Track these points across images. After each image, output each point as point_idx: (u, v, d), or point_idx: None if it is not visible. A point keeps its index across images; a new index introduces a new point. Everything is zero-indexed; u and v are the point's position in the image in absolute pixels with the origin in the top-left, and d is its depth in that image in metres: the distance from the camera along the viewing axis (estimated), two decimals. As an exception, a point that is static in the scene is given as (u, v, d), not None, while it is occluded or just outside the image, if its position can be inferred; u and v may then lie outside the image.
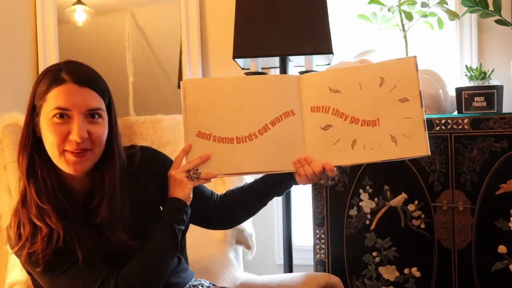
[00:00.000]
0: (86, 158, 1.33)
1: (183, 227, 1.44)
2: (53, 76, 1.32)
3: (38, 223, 1.32)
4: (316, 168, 1.45)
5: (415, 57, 1.46)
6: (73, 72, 1.32)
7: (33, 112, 1.34)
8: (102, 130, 1.34)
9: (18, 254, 1.36)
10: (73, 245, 1.34)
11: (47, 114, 1.31)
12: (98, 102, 1.34)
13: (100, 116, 1.34)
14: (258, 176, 1.57)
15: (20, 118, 2.00)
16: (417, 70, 1.44)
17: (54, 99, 1.30)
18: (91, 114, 1.32)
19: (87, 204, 1.40)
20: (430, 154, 1.44)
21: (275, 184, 1.55)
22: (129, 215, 1.41)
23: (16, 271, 1.87)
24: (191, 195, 1.45)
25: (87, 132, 1.31)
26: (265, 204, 1.59)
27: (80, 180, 1.40)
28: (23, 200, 1.36)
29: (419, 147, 1.42)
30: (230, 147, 1.46)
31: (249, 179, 1.91)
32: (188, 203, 1.44)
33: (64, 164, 1.32)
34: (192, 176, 1.45)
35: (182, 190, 1.43)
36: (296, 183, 1.52)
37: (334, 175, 1.50)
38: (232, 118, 1.47)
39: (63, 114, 1.30)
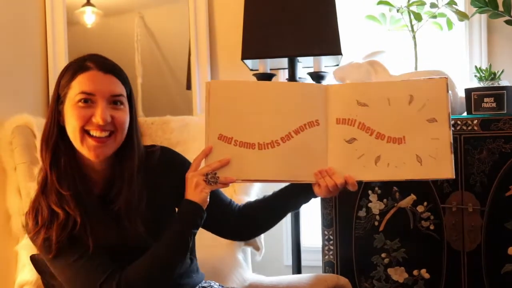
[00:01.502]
0: (107, 144, 1.36)
1: (196, 231, 1.43)
2: (78, 65, 1.37)
3: (56, 209, 1.35)
4: (338, 180, 1.42)
5: (446, 78, 1.43)
6: (98, 61, 1.38)
7: (57, 101, 1.39)
8: (124, 115, 1.38)
9: (33, 239, 1.39)
10: (86, 234, 1.36)
11: (71, 100, 1.35)
12: (121, 89, 1.38)
13: (122, 103, 1.38)
14: (277, 185, 1.55)
15: (30, 119, 2.01)
16: (447, 91, 1.43)
17: (79, 85, 1.35)
18: (114, 101, 1.37)
19: (105, 196, 1.42)
20: (454, 177, 1.42)
21: (294, 197, 1.53)
22: (146, 210, 1.42)
23: (26, 271, 1.88)
24: (208, 200, 1.43)
25: (110, 116, 1.35)
26: (280, 218, 1.57)
27: (99, 171, 1.43)
28: (43, 188, 1.39)
29: (444, 169, 1.40)
30: (251, 152, 1.44)
31: (262, 189, 1.92)
32: (204, 208, 1.42)
33: (86, 149, 1.35)
34: (210, 180, 1.42)
35: (199, 194, 1.41)
36: (314, 196, 1.50)
37: (355, 190, 1.48)
38: (255, 123, 1.45)
39: (87, 99, 1.34)
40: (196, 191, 1.41)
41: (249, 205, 1.58)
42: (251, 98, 1.46)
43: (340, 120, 1.44)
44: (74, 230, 1.35)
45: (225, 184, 1.45)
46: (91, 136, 1.35)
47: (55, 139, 1.38)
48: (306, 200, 1.55)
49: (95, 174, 1.43)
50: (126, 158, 1.41)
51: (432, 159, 1.40)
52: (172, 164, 1.52)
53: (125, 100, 1.39)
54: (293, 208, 1.58)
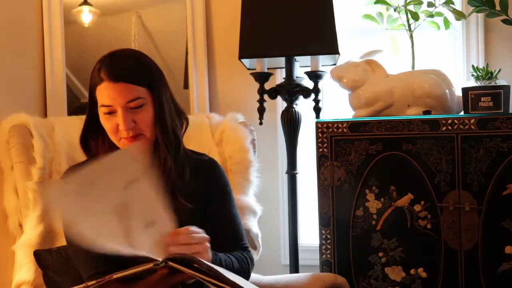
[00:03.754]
0: (140, 141, 1.48)
1: None
2: (95, 75, 1.47)
3: None
4: None
5: None
6: (108, 70, 1.45)
7: (92, 105, 1.50)
8: (145, 116, 1.47)
9: None
10: None
11: (99, 109, 1.48)
12: (135, 92, 1.45)
13: (141, 104, 1.46)
14: None
15: (27, 118, 2.01)
16: None
17: (99, 97, 1.46)
18: (131, 106, 1.45)
19: None
20: None
21: None
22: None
23: (23, 271, 1.88)
24: None
25: (133, 121, 1.45)
26: None
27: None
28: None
29: None
30: None
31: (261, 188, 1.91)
32: None
33: (122, 148, 1.49)
34: None
35: None
36: None
37: None
38: None
39: (109, 112, 1.45)
40: None
41: None
42: None
43: None
44: None
45: None
46: (123, 138, 1.47)
47: (96, 134, 1.53)
48: None
49: None
50: (160, 142, 1.50)
51: None
52: (205, 179, 1.60)
53: (143, 100, 1.46)
54: None
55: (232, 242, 1.59)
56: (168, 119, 1.51)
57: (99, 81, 1.45)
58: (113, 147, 1.52)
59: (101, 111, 1.47)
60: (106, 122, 1.48)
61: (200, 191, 1.57)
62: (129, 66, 1.47)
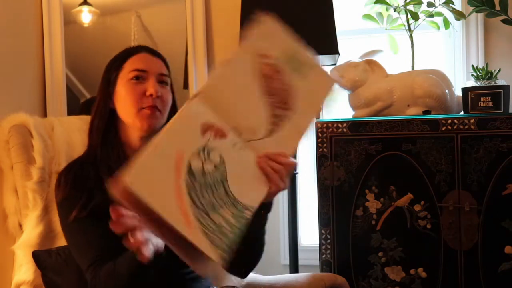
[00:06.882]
0: (157, 116, 1.50)
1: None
2: (128, 51, 1.56)
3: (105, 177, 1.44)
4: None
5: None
6: (146, 47, 1.58)
7: (107, 86, 1.54)
8: (169, 95, 1.55)
9: (63, 201, 1.50)
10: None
11: (124, 78, 1.51)
12: (166, 70, 1.57)
13: (167, 83, 1.56)
14: None
15: (26, 118, 2.00)
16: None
17: (132, 64, 1.52)
18: (161, 80, 1.53)
19: None
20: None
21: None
22: None
23: (23, 271, 1.88)
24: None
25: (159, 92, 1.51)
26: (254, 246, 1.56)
27: (139, 150, 1.50)
28: (93, 160, 1.52)
29: None
30: None
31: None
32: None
33: (139, 120, 1.49)
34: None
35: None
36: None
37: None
38: None
39: (139, 76, 1.50)
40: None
41: None
42: None
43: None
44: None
45: None
46: (145, 108, 1.48)
47: (106, 120, 1.53)
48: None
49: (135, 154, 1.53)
50: None
51: None
52: None
53: (169, 80, 1.57)
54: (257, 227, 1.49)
55: None
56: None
57: (135, 52, 1.54)
58: (120, 151, 1.52)
59: (129, 77, 1.51)
60: (131, 89, 1.49)
61: None
62: (160, 53, 1.60)
